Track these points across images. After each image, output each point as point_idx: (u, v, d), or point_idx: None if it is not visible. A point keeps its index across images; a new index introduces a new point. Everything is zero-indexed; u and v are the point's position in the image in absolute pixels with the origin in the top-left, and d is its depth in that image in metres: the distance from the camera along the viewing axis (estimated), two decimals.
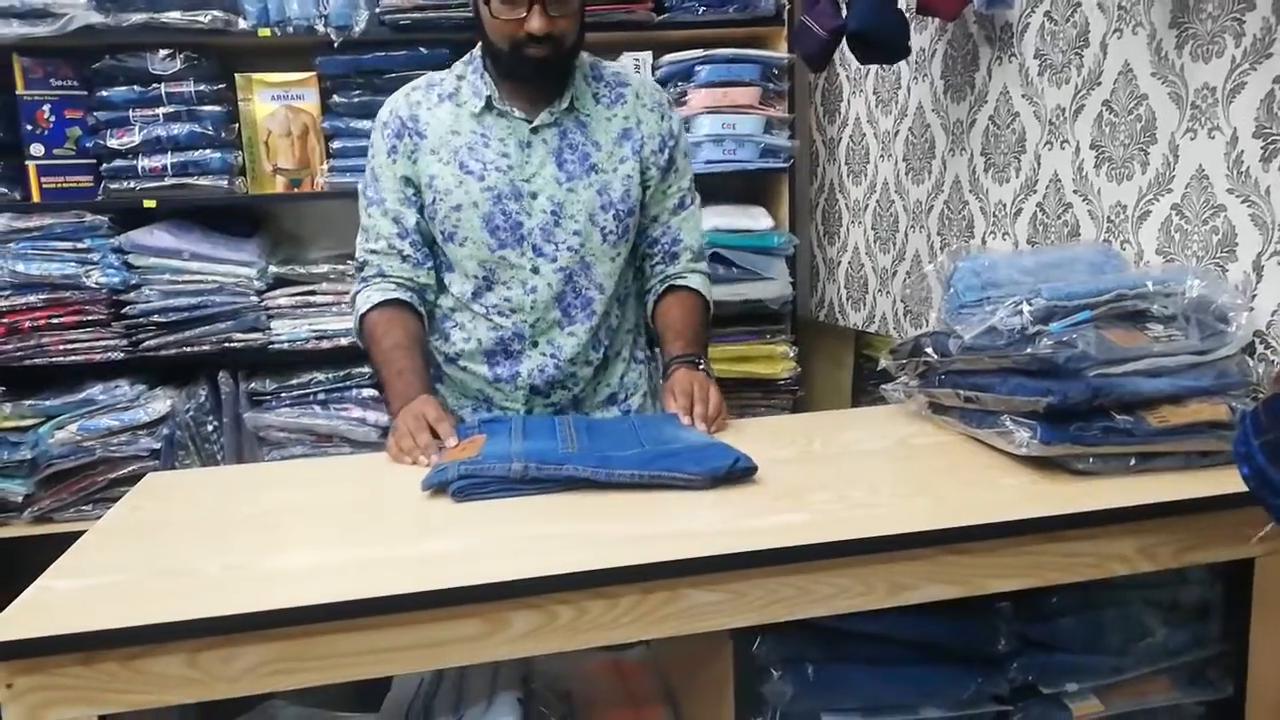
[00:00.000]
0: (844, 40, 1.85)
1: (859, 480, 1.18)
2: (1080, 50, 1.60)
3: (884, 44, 1.82)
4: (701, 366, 1.49)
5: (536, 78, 1.45)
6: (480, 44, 1.50)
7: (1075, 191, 1.64)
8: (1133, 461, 1.14)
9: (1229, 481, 0.86)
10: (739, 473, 1.15)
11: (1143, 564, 1.07)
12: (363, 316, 1.51)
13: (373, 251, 1.54)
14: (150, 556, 1.02)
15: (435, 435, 1.30)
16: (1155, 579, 1.16)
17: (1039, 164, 1.73)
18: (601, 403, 1.61)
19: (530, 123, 1.48)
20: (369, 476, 1.31)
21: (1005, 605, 1.10)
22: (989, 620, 1.10)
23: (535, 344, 1.52)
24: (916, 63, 2.13)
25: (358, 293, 1.54)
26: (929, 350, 1.35)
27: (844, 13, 1.82)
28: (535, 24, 1.36)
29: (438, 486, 1.13)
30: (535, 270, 1.49)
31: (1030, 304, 1.20)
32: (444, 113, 1.51)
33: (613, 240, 1.52)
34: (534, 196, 1.48)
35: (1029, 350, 1.16)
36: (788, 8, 2.48)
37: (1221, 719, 1.19)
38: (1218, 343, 1.19)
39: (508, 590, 0.91)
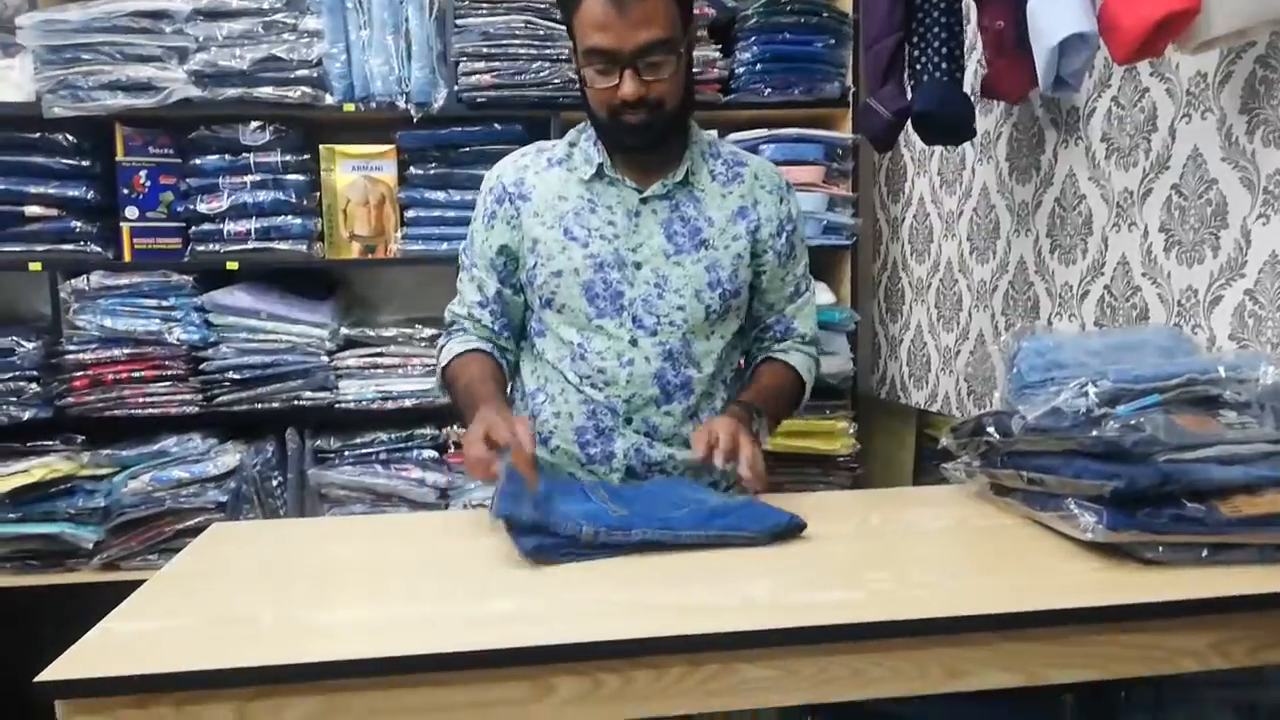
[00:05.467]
0: (909, 122, 1.87)
1: (917, 560, 1.16)
2: (1148, 134, 1.59)
3: (949, 126, 1.84)
4: (755, 424, 1.41)
5: (641, 145, 1.43)
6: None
7: (1144, 274, 1.61)
8: (1204, 552, 1.09)
9: None
10: (794, 529, 1.21)
11: (1215, 660, 1.02)
12: (445, 366, 1.53)
13: (457, 314, 1.56)
14: (208, 604, 1.05)
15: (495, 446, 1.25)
16: (1231, 677, 1.10)
17: (1106, 246, 1.71)
18: None
19: (641, 192, 1.46)
20: (426, 535, 1.32)
21: (1068, 697, 1.06)
22: (1051, 712, 1.06)
23: (629, 421, 1.45)
24: (981, 145, 2.14)
25: (443, 345, 1.56)
26: (991, 430, 1.32)
27: (909, 95, 1.85)
28: (628, 89, 1.34)
29: (507, 519, 1.16)
30: (634, 343, 1.44)
31: (1096, 386, 1.17)
32: (553, 177, 1.49)
33: (715, 319, 1.47)
34: (638, 267, 1.44)
35: (1095, 433, 1.14)
36: (852, 90, 2.52)
37: None
38: None
39: (552, 654, 0.91)
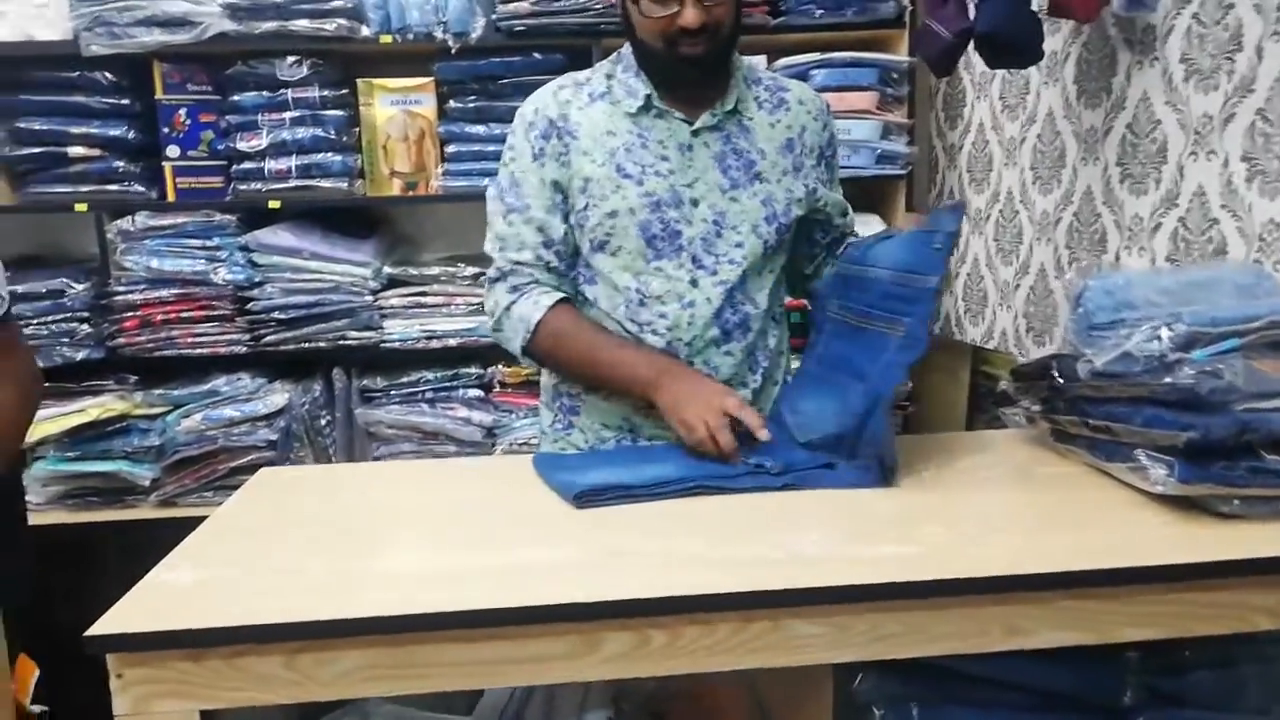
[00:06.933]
0: (971, 43, 1.76)
1: (974, 511, 1.12)
2: (1232, 54, 1.48)
3: (1015, 47, 1.73)
4: None
5: (697, 76, 1.36)
6: (630, 44, 1.41)
7: (1223, 206, 1.52)
8: None
9: None
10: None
11: None
12: (539, 322, 1.39)
13: (518, 262, 1.41)
14: (259, 553, 1.05)
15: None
16: None
17: (1182, 175, 1.61)
18: None
19: (691, 124, 1.39)
20: (477, 481, 1.31)
21: (1133, 655, 1.02)
22: (1114, 669, 1.02)
23: (690, 364, 1.39)
24: (1048, 67, 2.02)
25: (512, 303, 1.40)
26: (1055, 374, 1.27)
27: (972, 14, 1.74)
28: (690, 17, 1.27)
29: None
30: (694, 284, 1.39)
31: (1170, 329, 1.11)
32: (597, 112, 1.40)
33: (771, 254, 1.43)
34: (695, 204, 1.39)
35: (1168, 379, 1.08)
36: (909, 9, 2.39)
37: None
38: None
39: (602, 610, 0.89)
